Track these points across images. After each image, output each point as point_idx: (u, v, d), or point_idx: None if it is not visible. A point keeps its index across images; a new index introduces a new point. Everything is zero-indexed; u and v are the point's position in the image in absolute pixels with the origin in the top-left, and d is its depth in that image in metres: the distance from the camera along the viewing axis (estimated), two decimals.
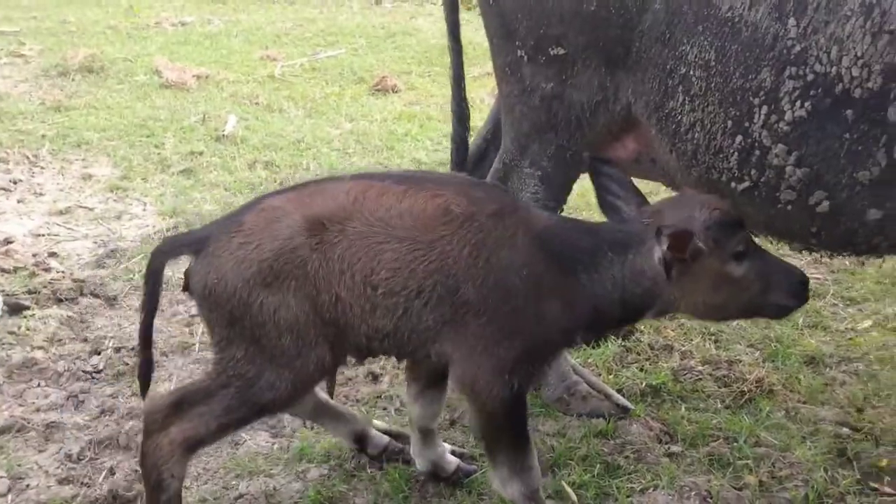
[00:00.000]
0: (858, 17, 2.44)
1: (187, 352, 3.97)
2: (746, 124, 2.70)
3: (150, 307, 2.58)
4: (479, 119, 4.74)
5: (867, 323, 4.24)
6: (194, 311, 4.36)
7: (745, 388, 3.53)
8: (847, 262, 4.67)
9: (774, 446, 3.18)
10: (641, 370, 3.72)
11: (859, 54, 2.45)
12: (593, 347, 3.85)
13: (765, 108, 2.65)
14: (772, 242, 3.03)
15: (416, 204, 2.44)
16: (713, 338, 4.04)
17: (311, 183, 2.66)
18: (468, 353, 2.45)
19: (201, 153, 6.60)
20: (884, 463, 3.10)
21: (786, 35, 2.57)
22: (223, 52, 9.94)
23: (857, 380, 3.69)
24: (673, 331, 4.06)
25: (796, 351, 3.89)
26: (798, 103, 2.58)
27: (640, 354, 3.86)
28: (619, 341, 3.91)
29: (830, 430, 3.29)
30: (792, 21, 2.55)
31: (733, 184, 2.80)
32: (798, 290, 2.52)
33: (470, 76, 6.95)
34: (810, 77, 2.55)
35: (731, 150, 2.76)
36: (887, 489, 2.97)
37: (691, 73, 2.78)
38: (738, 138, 2.73)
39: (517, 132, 3.28)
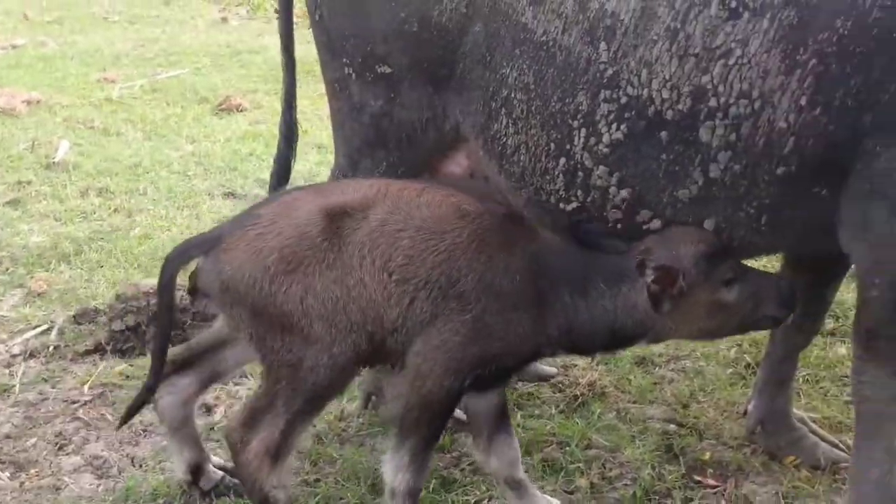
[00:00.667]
0: (665, 41, 2.53)
1: (6, 394, 3.75)
2: (568, 147, 2.76)
3: (166, 321, 2.64)
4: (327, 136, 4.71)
5: None
6: (16, 349, 4.13)
7: (578, 392, 3.64)
8: None
9: (605, 447, 3.29)
10: None
11: (668, 77, 2.54)
12: None
13: (584, 131, 2.71)
14: None
15: (433, 199, 2.56)
16: None
17: (328, 183, 2.79)
18: (440, 343, 2.51)
19: (29, 182, 6.26)
20: (707, 456, 3.25)
21: (598, 59, 2.64)
22: (58, 75, 9.49)
23: (684, 377, 3.87)
24: None
25: (628, 352, 4.03)
26: (614, 126, 2.66)
27: None
28: None
29: (658, 428, 3.44)
30: (603, 45, 2.62)
31: (561, 205, 2.86)
32: (787, 298, 2.64)
33: (318, 92, 6.93)
34: (624, 100, 2.63)
35: (557, 172, 2.82)
36: (710, 481, 3.13)
37: (513, 95, 2.83)
38: (562, 160, 2.79)
39: (348, 148, 3.26)
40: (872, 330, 2.56)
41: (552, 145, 2.78)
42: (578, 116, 2.70)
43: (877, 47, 2.34)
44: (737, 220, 2.64)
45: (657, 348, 4.10)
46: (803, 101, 2.42)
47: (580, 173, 2.76)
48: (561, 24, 2.69)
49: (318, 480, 3.11)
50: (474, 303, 2.49)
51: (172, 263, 2.58)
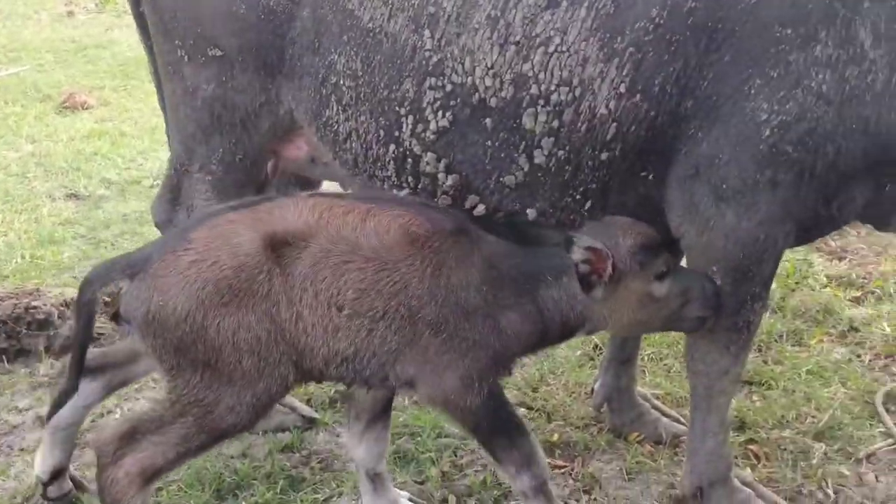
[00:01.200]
0: (486, 29, 2.59)
1: None
2: (397, 134, 2.79)
3: (82, 345, 2.44)
4: None
5: None
6: None
7: None
8: None
9: (456, 436, 3.32)
10: None
11: (490, 65, 2.60)
12: None
13: (411, 118, 2.75)
14: None
15: (380, 224, 2.43)
16: None
17: (263, 200, 2.55)
18: (432, 370, 2.46)
19: None
20: (555, 437, 3.35)
21: (423, 46, 2.68)
22: None
23: (534, 361, 3.95)
24: None
25: None
26: (440, 113, 2.70)
27: None
28: None
29: None
30: (427, 33, 2.66)
31: (394, 191, 2.89)
32: (711, 300, 2.62)
33: None
34: (449, 87, 2.68)
35: (388, 159, 2.84)
36: (558, 462, 3.22)
37: (341, 82, 2.83)
38: (392, 147, 2.82)
39: (183, 135, 3.18)
40: None
41: (381, 132, 2.80)
42: (406, 104, 2.73)
43: (692, 35, 2.46)
44: (564, 205, 2.73)
45: None
46: (623, 88, 2.52)
47: (409, 160, 2.79)
48: (387, 10, 2.71)
49: (160, 489, 3.02)
50: (444, 324, 2.44)
51: (92, 285, 2.41)
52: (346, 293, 2.36)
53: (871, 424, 3.55)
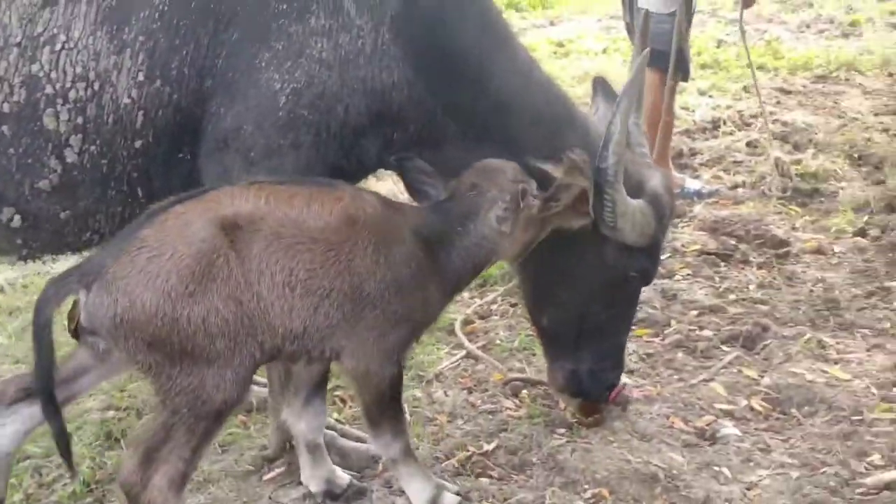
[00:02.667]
0: None
1: None
2: None
3: (45, 366, 2.37)
4: None
5: None
6: None
7: None
8: None
9: (39, 455, 3.26)
10: None
11: None
12: None
13: None
14: None
15: (323, 207, 2.55)
16: None
17: (205, 190, 2.56)
18: (362, 342, 2.63)
19: None
20: None
21: None
22: None
23: None
24: None
25: (61, 353, 3.92)
26: None
27: None
28: None
29: (97, 419, 3.50)
30: None
31: None
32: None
33: None
34: None
35: None
36: None
37: None
38: None
39: None
40: None
41: None
42: None
43: (199, 18, 2.65)
44: (110, 198, 2.80)
45: None
46: (141, 77, 2.64)
47: None
48: None
49: None
50: (381, 299, 2.60)
51: (48, 304, 2.33)
52: (298, 273, 2.49)
53: (438, 349, 4.12)
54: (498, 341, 4.23)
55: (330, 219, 2.57)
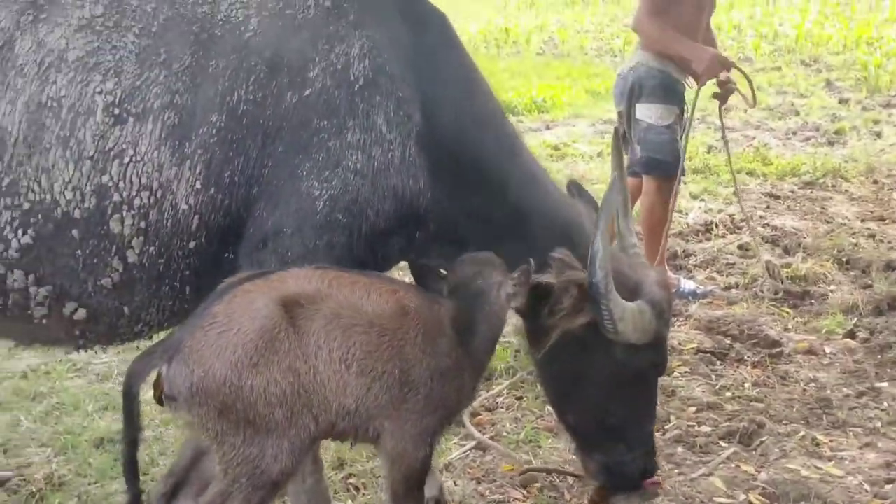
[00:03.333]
0: (58, 148, 2.85)
1: None
2: None
3: (132, 437, 2.59)
4: None
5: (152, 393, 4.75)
6: None
7: (35, 489, 3.72)
8: None
9: None
10: None
11: (67, 180, 2.86)
12: None
13: None
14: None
15: (381, 296, 2.80)
16: (1, 448, 4.11)
17: (271, 272, 2.78)
18: (402, 424, 2.82)
19: None
20: None
21: None
22: None
23: (144, 447, 4.08)
24: None
25: (86, 437, 4.20)
26: (21, 231, 2.87)
27: None
28: None
29: (121, 502, 3.63)
30: None
31: None
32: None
33: None
34: (27, 206, 2.86)
35: None
36: None
37: None
38: None
39: None
40: None
41: None
42: None
43: (249, 133, 2.97)
44: (163, 294, 3.06)
45: (116, 426, 4.31)
46: (198, 185, 2.94)
47: None
48: None
49: None
50: (424, 385, 2.81)
51: (137, 377, 2.58)
52: (354, 352, 2.70)
53: (447, 439, 4.30)
54: (505, 433, 4.42)
55: (386, 307, 2.81)
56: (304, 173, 3.00)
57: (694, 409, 4.68)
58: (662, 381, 4.83)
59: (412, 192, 3.14)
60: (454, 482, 3.96)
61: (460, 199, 3.23)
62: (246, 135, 2.97)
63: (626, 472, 3.41)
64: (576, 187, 3.57)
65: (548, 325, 3.04)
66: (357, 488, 3.89)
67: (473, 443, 4.29)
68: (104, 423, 4.36)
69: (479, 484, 3.98)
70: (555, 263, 2.96)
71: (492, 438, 4.36)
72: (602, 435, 3.36)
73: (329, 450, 4.09)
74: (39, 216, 2.87)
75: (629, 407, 3.32)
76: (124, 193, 2.89)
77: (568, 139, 10.85)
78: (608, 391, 3.26)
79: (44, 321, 3.00)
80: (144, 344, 3.11)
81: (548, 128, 11.68)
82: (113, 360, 5.02)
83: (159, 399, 2.64)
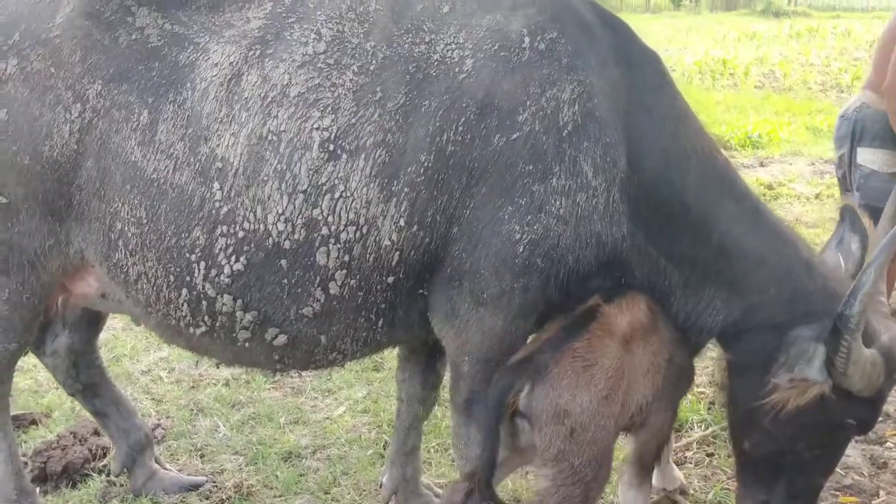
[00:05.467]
0: (274, 181, 3.01)
1: None
2: (188, 279, 3.11)
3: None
4: None
5: (341, 410, 4.97)
6: None
7: (225, 496, 3.96)
8: None
9: None
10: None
11: (281, 212, 3.02)
12: (73, 487, 3.98)
13: (203, 264, 3.08)
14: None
15: (667, 323, 3.28)
16: (199, 452, 4.43)
17: (598, 306, 3.15)
18: (663, 408, 3.39)
19: None
20: None
21: (212, 198, 3.04)
22: None
23: (328, 464, 4.33)
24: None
25: (276, 450, 4.44)
26: (234, 258, 3.06)
27: (122, 486, 4.08)
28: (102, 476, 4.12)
29: None
30: (216, 185, 3.03)
31: (192, 329, 3.21)
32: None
33: None
34: (241, 234, 3.04)
35: (181, 302, 3.15)
36: None
37: (126, 228, 3.12)
38: (184, 291, 3.13)
39: None
40: (468, 398, 3.23)
41: (172, 277, 3.12)
42: (196, 251, 3.07)
43: (455, 174, 3.04)
44: (358, 325, 3.19)
45: (305, 441, 4.55)
46: (402, 223, 3.04)
47: (204, 302, 3.13)
48: (171, 164, 3.05)
49: None
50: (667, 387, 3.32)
51: (506, 391, 3.00)
52: (650, 368, 3.21)
53: None
54: (692, 490, 4.27)
55: (665, 332, 3.27)
56: (506, 216, 3.03)
57: None
58: (873, 450, 4.54)
59: (614, 239, 3.13)
60: None
61: (664, 245, 3.19)
62: (451, 175, 3.03)
63: None
64: (849, 213, 3.45)
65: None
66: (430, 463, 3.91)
67: (658, 497, 4.16)
68: (293, 437, 4.59)
69: None
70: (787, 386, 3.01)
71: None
72: (773, 473, 3.23)
73: (506, 487, 4.12)
74: (252, 245, 3.05)
75: (814, 454, 3.18)
76: (332, 227, 3.02)
77: (783, 178, 10.36)
78: (801, 430, 3.12)
79: (247, 344, 3.19)
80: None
81: (762, 165, 11.20)
82: (307, 376, 5.28)
83: (512, 413, 3.04)
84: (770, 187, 9.89)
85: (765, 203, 3.40)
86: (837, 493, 4.23)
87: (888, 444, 4.71)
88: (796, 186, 9.98)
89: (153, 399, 5.00)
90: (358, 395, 5.12)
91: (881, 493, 4.25)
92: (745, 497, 3.36)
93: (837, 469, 4.34)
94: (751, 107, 14.23)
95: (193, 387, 5.14)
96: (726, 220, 3.19)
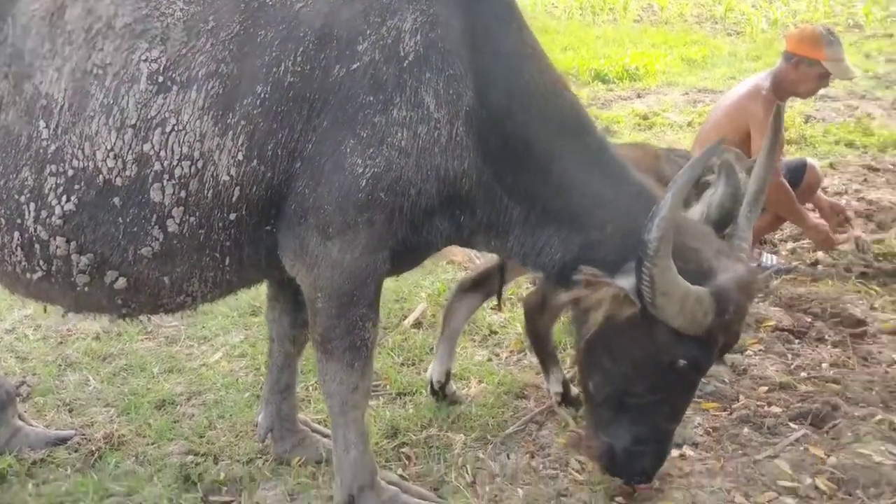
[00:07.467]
0: (101, 116, 2.89)
1: None
2: (20, 221, 2.98)
3: None
4: None
5: (217, 356, 4.89)
6: None
7: (94, 448, 3.85)
8: None
9: (122, 493, 3.55)
10: None
11: (110, 147, 2.90)
12: None
13: (33, 206, 2.96)
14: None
15: None
16: (67, 407, 4.31)
17: None
18: None
19: None
20: (222, 476, 3.67)
21: (39, 136, 2.92)
22: None
23: (204, 409, 4.26)
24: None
25: (148, 399, 4.34)
26: (64, 198, 2.94)
27: None
28: None
29: (176, 462, 3.78)
30: (42, 123, 2.91)
31: (28, 274, 3.08)
32: None
33: None
34: (70, 172, 2.92)
35: (14, 246, 3.03)
36: (224, 497, 3.57)
37: None
38: (17, 234, 3.01)
39: None
40: (325, 334, 3.19)
41: (2, 220, 3.00)
42: (25, 192, 2.95)
43: (295, 106, 2.96)
44: (204, 265, 3.10)
45: (179, 388, 4.47)
46: (240, 156, 2.95)
47: (37, 245, 3.00)
48: None
49: None
50: None
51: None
52: None
53: (502, 412, 4.30)
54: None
55: None
56: (349, 150, 2.97)
57: (765, 388, 4.51)
58: (734, 358, 4.73)
59: (456, 173, 3.09)
60: (507, 455, 3.93)
61: (507, 180, 3.16)
62: (291, 107, 2.95)
63: (624, 464, 3.32)
64: (726, 167, 3.38)
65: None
66: (409, 458, 3.91)
67: (529, 416, 4.25)
68: (167, 386, 4.50)
69: (533, 458, 3.95)
70: (582, 279, 2.95)
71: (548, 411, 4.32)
72: (615, 414, 3.26)
73: (382, 419, 4.14)
74: (83, 183, 2.93)
75: (653, 396, 3.18)
76: (165, 163, 2.91)
77: (658, 108, 10.57)
78: (635, 370, 3.15)
79: (86, 289, 3.08)
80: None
81: (639, 96, 11.39)
82: (182, 325, 5.19)
83: None
84: (645, 117, 10.09)
85: (610, 142, 3.40)
86: (700, 399, 4.38)
87: (748, 352, 4.90)
88: (670, 115, 10.20)
89: (18, 357, 4.83)
90: (235, 341, 5.05)
91: (741, 397, 4.43)
92: (591, 439, 3.40)
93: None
94: (629, 40, 14.42)
95: (61, 342, 4.99)
96: (567, 157, 3.17)
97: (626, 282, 2.97)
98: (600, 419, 3.34)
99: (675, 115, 10.23)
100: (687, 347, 3.03)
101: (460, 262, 6.15)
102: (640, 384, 3.17)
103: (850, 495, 3.65)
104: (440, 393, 4.30)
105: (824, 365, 4.75)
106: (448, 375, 4.30)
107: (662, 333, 3.02)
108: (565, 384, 4.25)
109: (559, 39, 14.14)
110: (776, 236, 6.66)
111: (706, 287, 2.96)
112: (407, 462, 3.88)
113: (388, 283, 5.59)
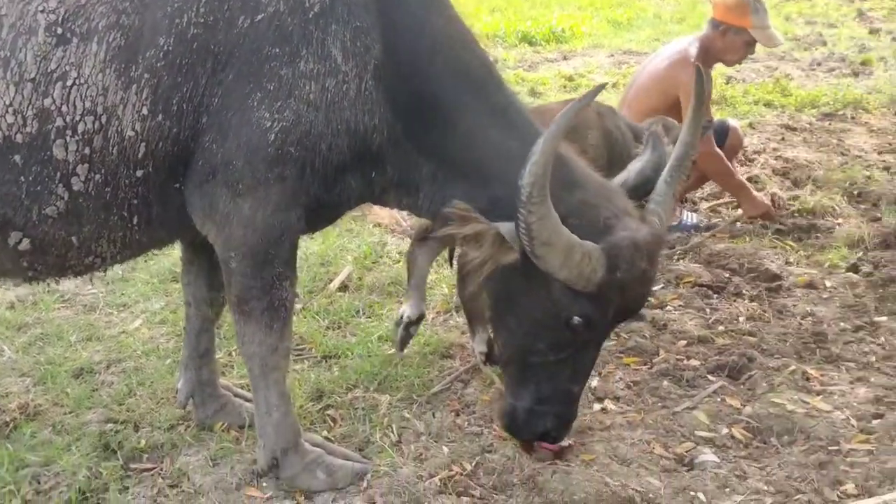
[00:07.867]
0: None
1: None
2: None
3: None
4: None
5: (137, 322, 4.79)
6: None
7: (9, 418, 3.74)
8: (120, 271, 5.19)
9: (38, 463, 3.46)
10: None
11: (9, 102, 2.78)
12: None
13: None
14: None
15: None
16: None
17: None
18: None
19: None
20: (143, 444, 3.61)
21: None
22: None
23: (123, 377, 4.17)
24: None
25: (66, 368, 4.23)
26: None
27: None
28: None
29: (95, 430, 3.69)
30: None
31: None
32: None
33: None
34: None
35: None
36: (146, 465, 3.50)
37: None
38: None
39: None
40: (241, 295, 3.13)
41: None
42: None
43: (199, 58, 2.87)
44: (112, 224, 3.01)
45: (98, 357, 4.36)
46: (145, 111, 2.86)
47: None
48: None
49: None
50: None
51: None
52: None
53: (428, 372, 4.30)
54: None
55: None
56: (256, 103, 2.90)
57: (684, 342, 4.61)
58: (654, 314, 4.81)
59: (366, 128, 3.05)
60: (433, 414, 3.95)
61: (416, 137, 3.12)
62: (195, 60, 2.87)
63: (526, 424, 3.31)
64: (653, 137, 3.37)
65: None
66: (334, 420, 3.89)
67: (454, 375, 4.27)
68: (86, 354, 4.38)
69: (458, 416, 3.97)
70: (450, 213, 2.91)
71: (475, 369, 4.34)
72: (519, 373, 3.26)
73: (307, 382, 4.11)
74: None
75: (554, 355, 3.16)
76: (68, 118, 2.81)
77: (584, 70, 10.64)
78: (534, 327, 3.13)
79: None
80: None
81: (565, 58, 11.46)
82: (100, 292, 5.06)
83: None
84: (570, 79, 10.15)
85: (519, 99, 3.37)
86: (621, 354, 4.47)
87: (668, 307, 5.00)
88: (596, 77, 10.27)
89: None
90: (155, 307, 4.94)
91: (661, 351, 4.52)
92: (498, 401, 3.41)
93: (622, 333, 4.60)
94: (556, 3, 14.47)
95: None
96: (474, 112, 3.12)
97: (504, 226, 2.94)
98: (508, 378, 3.35)
99: (601, 76, 10.31)
100: (580, 304, 3.00)
101: (387, 224, 6.13)
102: (540, 342, 3.14)
103: (764, 443, 3.77)
104: (406, 332, 4.33)
105: (741, 319, 4.87)
106: (420, 319, 4.35)
107: (556, 289, 3.00)
108: (490, 343, 4.26)
109: (487, 1, 14.09)
110: (696, 194, 6.78)
111: (601, 244, 2.93)
112: (332, 424, 3.86)
113: (314, 247, 5.65)
